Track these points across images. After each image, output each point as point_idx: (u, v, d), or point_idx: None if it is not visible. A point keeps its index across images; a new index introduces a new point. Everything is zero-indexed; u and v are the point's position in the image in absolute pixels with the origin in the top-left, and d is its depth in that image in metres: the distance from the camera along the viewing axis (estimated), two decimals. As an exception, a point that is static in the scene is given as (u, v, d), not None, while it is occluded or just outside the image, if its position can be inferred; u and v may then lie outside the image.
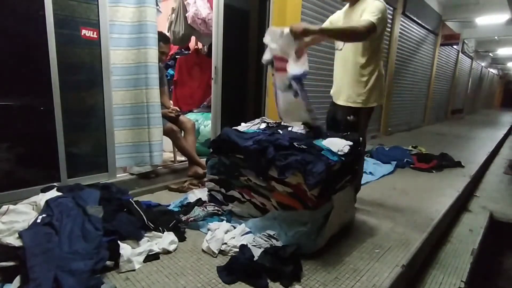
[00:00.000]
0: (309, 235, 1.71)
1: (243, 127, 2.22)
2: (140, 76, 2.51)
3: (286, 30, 1.80)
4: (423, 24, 7.63)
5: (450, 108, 11.87)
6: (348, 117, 2.20)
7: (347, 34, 2.00)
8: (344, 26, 2.09)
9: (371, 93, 2.19)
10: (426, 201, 2.76)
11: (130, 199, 1.96)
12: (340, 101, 2.26)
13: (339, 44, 2.26)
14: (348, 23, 2.12)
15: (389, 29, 6.20)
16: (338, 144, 1.89)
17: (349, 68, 2.19)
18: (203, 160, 2.65)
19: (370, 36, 1.95)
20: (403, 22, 6.67)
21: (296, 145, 1.82)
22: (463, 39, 10.54)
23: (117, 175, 2.59)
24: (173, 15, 3.75)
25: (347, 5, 2.24)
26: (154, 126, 2.62)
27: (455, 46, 10.24)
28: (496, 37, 11.14)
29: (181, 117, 3.04)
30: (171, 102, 3.32)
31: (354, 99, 2.19)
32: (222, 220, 2.01)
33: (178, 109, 3.05)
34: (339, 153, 1.82)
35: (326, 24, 2.32)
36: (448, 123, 10.14)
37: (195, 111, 3.95)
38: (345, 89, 2.23)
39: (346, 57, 2.20)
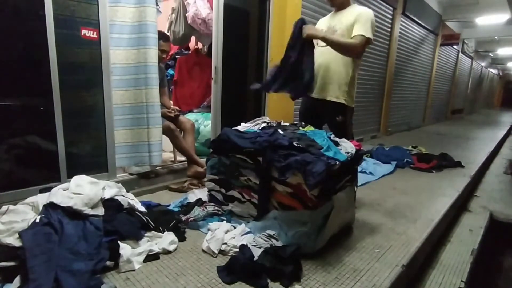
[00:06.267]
0: (309, 235, 1.70)
1: (243, 127, 2.22)
2: (140, 76, 2.51)
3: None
4: (423, 24, 7.63)
5: (450, 108, 11.88)
6: (337, 118, 2.27)
7: (346, 49, 2.13)
8: (345, 40, 2.14)
9: (353, 92, 2.29)
10: (426, 201, 2.76)
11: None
12: (328, 97, 2.27)
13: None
14: (343, 31, 2.16)
15: (389, 29, 6.20)
16: (348, 147, 1.93)
17: (338, 66, 2.22)
18: (203, 160, 2.65)
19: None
20: (403, 22, 6.67)
21: (296, 145, 1.82)
22: (463, 39, 10.54)
23: (117, 175, 2.59)
24: (173, 15, 3.75)
25: (334, 10, 2.29)
26: (153, 126, 2.62)
27: (455, 46, 10.24)
28: (496, 37, 11.15)
29: (181, 117, 3.04)
30: (171, 102, 3.32)
31: (344, 97, 2.25)
32: (222, 220, 2.01)
33: (178, 109, 3.06)
34: (348, 155, 1.86)
35: (322, 28, 2.35)
36: (448, 123, 10.15)
37: (195, 111, 3.95)
38: (332, 85, 2.25)
39: (331, 53, 2.20)
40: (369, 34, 2.09)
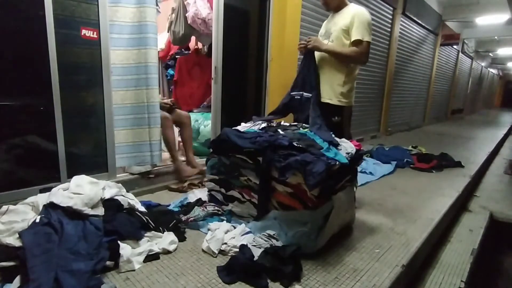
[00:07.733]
0: (309, 235, 1.70)
1: (243, 127, 2.22)
2: (141, 76, 2.51)
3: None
4: (423, 24, 7.63)
5: (450, 108, 11.88)
6: (333, 119, 2.25)
7: (350, 58, 2.15)
8: (349, 50, 2.15)
9: (350, 92, 2.27)
10: (426, 201, 2.76)
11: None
12: (321, 99, 2.26)
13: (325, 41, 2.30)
14: (338, 33, 2.17)
15: (389, 29, 6.20)
16: (348, 147, 1.93)
17: (330, 66, 2.22)
18: (202, 161, 2.65)
19: None
20: (403, 22, 6.67)
21: (296, 145, 1.82)
22: (463, 39, 10.54)
23: (117, 175, 2.59)
24: (173, 15, 3.75)
25: (331, 13, 2.31)
26: (154, 126, 2.62)
27: (455, 46, 10.24)
28: (496, 37, 11.16)
29: (178, 110, 3.04)
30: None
31: (337, 98, 2.24)
32: (222, 220, 2.01)
33: (173, 100, 3.05)
34: (348, 156, 1.86)
35: (322, 31, 2.37)
36: (448, 123, 10.15)
37: (195, 111, 3.95)
38: (325, 86, 2.25)
39: (324, 54, 2.22)
40: (366, 37, 2.09)
